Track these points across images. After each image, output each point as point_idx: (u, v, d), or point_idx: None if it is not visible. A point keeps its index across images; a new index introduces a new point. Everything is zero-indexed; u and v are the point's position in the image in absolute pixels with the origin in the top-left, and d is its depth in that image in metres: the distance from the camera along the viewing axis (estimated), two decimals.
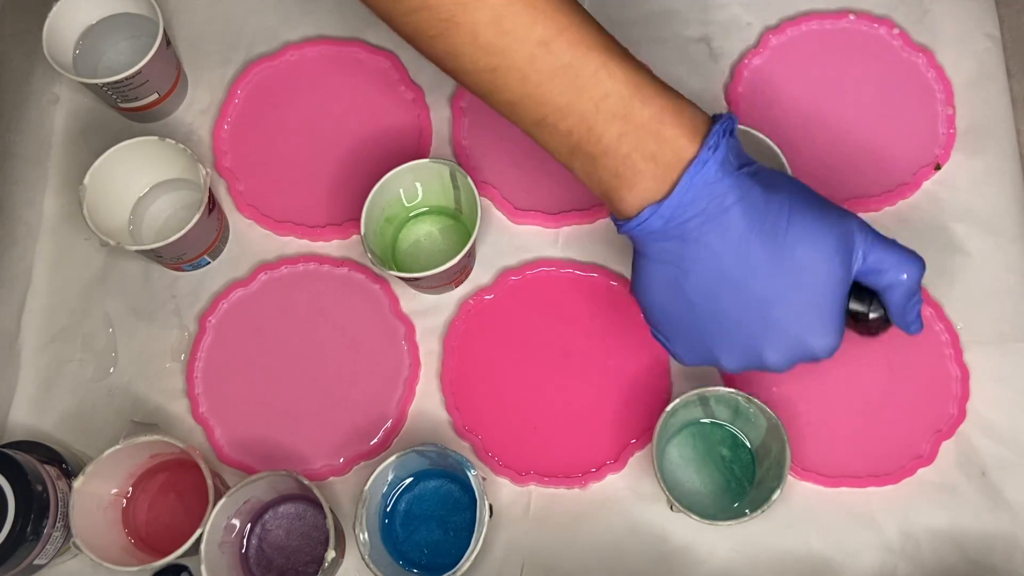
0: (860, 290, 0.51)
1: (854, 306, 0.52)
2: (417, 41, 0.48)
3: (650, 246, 0.49)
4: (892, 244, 0.50)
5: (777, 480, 0.55)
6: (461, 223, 0.65)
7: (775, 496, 0.54)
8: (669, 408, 0.56)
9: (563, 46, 0.46)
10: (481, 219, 0.60)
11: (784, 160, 0.60)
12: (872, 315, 0.52)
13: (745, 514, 0.55)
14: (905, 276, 0.50)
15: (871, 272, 0.50)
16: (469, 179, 0.60)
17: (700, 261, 0.48)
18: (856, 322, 0.53)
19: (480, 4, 0.45)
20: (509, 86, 0.47)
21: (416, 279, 0.60)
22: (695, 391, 0.56)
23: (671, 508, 0.55)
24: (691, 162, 0.46)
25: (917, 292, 0.51)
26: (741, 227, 0.47)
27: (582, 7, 0.48)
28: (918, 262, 0.50)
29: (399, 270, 0.61)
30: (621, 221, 0.49)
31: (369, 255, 0.59)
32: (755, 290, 0.48)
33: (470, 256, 0.62)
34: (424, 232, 0.65)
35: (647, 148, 0.46)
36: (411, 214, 0.65)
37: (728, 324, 0.49)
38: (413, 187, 0.63)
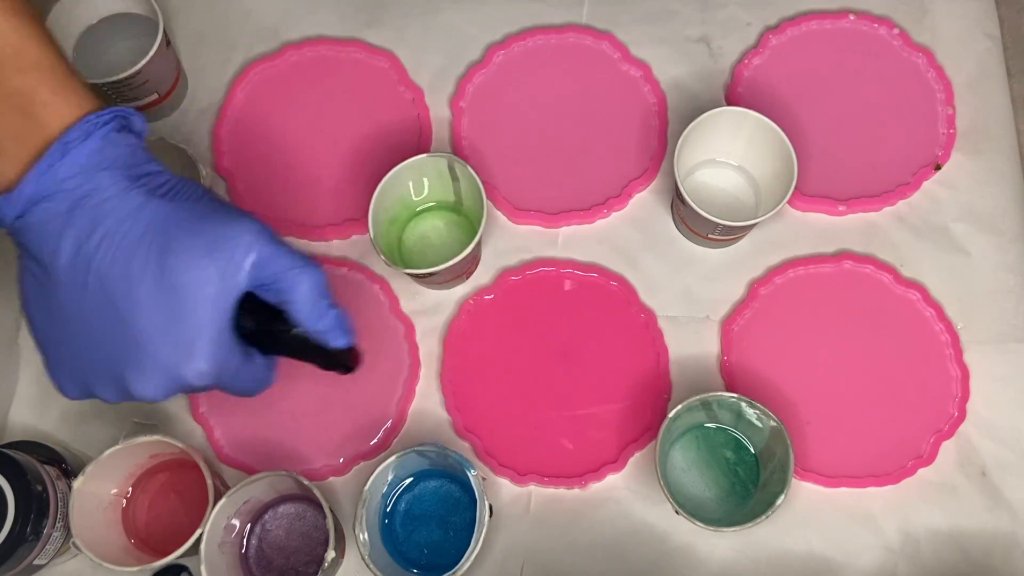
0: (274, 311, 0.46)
1: (271, 325, 0.46)
2: None
3: (19, 243, 0.42)
4: (287, 252, 0.44)
5: (781, 485, 0.55)
6: (463, 216, 0.65)
7: (779, 501, 0.54)
8: (672, 414, 0.56)
9: None
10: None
11: (792, 149, 0.60)
12: (293, 331, 0.46)
13: (748, 520, 0.54)
14: (305, 286, 0.44)
15: (268, 286, 0.44)
16: (469, 168, 0.60)
17: (65, 270, 0.41)
18: (291, 350, 0.48)
19: None
20: None
21: (431, 274, 0.59)
22: (697, 396, 0.56)
23: (676, 512, 0.55)
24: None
25: (321, 301, 0.46)
26: (106, 233, 0.41)
27: None
28: (311, 269, 0.45)
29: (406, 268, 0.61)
30: None
31: (382, 256, 0.59)
32: (123, 309, 0.41)
33: (479, 246, 0.62)
34: (428, 228, 0.65)
35: (12, 124, 0.40)
36: (415, 211, 0.65)
37: (101, 349, 0.42)
38: (414, 184, 0.63)
